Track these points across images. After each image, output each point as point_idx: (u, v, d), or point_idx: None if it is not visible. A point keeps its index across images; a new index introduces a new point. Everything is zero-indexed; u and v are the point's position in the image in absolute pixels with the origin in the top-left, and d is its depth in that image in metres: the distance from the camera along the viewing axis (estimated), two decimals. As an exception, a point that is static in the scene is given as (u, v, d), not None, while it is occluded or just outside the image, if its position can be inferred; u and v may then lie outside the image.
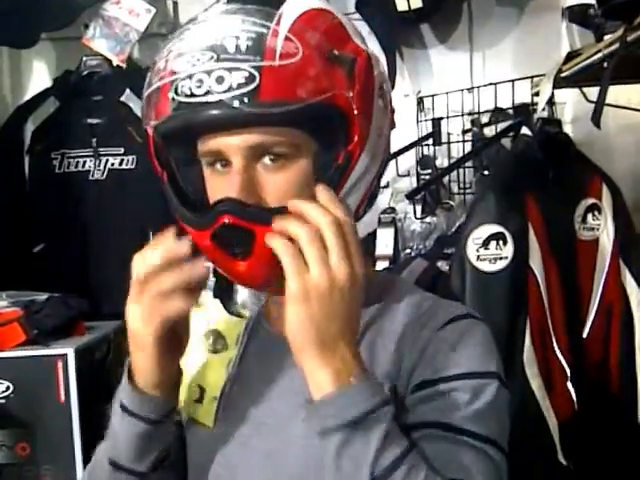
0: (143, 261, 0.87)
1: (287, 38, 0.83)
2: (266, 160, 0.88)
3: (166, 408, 0.95)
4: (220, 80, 0.81)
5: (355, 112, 0.87)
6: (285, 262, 0.81)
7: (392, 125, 1.00)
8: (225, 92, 0.80)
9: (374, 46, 2.50)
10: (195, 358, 1.03)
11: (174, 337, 0.91)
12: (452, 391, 0.90)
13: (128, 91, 2.31)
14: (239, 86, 0.80)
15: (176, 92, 0.83)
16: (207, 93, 0.81)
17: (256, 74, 0.80)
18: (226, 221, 0.85)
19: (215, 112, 0.82)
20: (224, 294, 0.98)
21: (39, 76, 2.65)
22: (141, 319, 0.87)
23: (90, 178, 2.33)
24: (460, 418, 0.88)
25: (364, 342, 0.96)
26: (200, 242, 0.89)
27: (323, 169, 0.89)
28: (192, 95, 0.82)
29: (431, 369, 0.92)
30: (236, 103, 0.80)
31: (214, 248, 0.88)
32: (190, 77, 0.82)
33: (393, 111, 1.00)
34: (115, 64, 2.30)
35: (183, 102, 0.83)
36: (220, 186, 0.89)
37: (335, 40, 0.88)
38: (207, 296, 0.98)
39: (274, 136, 0.86)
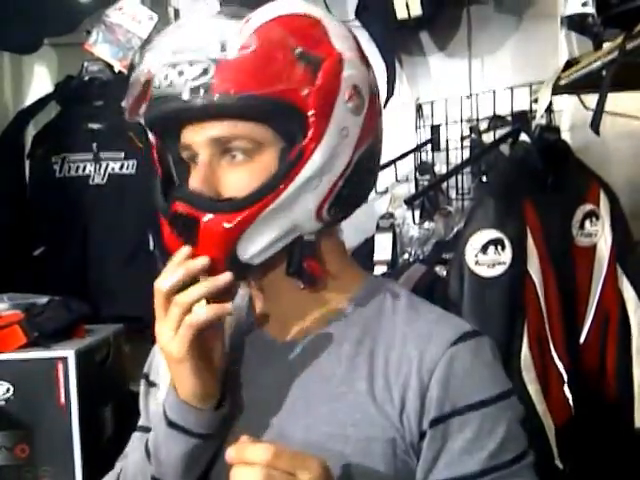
0: (165, 278, 0.89)
1: (250, 35, 0.87)
2: (228, 158, 0.91)
3: (215, 421, 0.96)
4: (181, 73, 0.86)
5: (310, 110, 0.88)
6: None
7: (376, 129, 0.99)
8: (185, 83, 0.86)
9: (373, 53, 2.52)
10: None
11: (208, 347, 0.93)
12: (480, 424, 0.91)
13: (129, 97, 2.31)
14: (195, 78, 0.85)
15: (149, 84, 0.90)
16: (169, 85, 0.87)
17: (212, 66, 0.85)
18: (177, 209, 0.89)
19: (174, 103, 0.87)
20: None
21: (40, 81, 2.66)
22: (172, 333, 0.89)
23: (90, 182, 2.34)
24: (495, 454, 0.90)
25: (363, 351, 0.97)
26: (164, 232, 0.92)
27: (288, 166, 0.90)
28: (159, 87, 0.88)
29: (448, 399, 0.91)
30: (192, 94, 0.86)
31: (171, 236, 0.92)
32: (160, 71, 0.89)
33: (378, 115, 1.00)
34: (117, 70, 2.32)
35: (154, 95, 0.89)
36: (191, 180, 0.92)
37: (303, 40, 0.90)
38: None
39: (234, 130, 0.89)
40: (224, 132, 0.89)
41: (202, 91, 0.85)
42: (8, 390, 1.68)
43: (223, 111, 0.87)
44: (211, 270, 0.89)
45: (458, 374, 0.92)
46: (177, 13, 2.58)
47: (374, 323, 0.99)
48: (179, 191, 0.92)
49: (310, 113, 0.88)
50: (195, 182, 0.90)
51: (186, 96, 0.85)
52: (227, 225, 0.88)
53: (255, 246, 0.90)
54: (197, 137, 0.91)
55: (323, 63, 0.89)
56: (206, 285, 0.88)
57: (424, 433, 0.91)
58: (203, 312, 0.88)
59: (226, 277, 0.89)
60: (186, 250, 0.89)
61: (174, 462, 0.96)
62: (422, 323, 0.97)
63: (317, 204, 0.93)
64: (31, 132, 2.39)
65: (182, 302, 0.88)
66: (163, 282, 0.89)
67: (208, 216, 0.88)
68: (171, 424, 0.95)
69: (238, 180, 0.90)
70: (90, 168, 2.33)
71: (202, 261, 0.88)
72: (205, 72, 0.85)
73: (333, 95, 0.90)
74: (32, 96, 2.59)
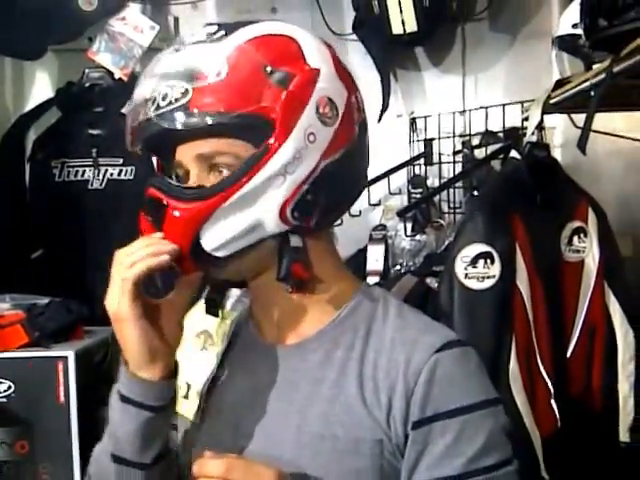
0: (125, 249, 0.95)
1: (223, 59, 0.94)
2: (217, 172, 0.97)
3: (165, 394, 0.99)
4: (165, 97, 0.93)
5: (274, 117, 0.93)
6: None
7: (349, 142, 1.01)
8: (166, 106, 0.93)
9: (369, 67, 2.56)
10: (187, 357, 1.08)
11: (159, 316, 0.98)
12: (460, 429, 0.94)
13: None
14: (176, 100, 0.92)
15: (138, 113, 0.96)
16: (155, 108, 0.93)
17: (190, 89, 0.92)
18: (150, 194, 0.96)
19: (159, 124, 0.94)
20: (211, 296, 1.06)
21: (41, 87, 2.69)
22: (114, 292, 0.94)
23: (89, 187, 2.35)
24: (475, 459, 0.93)
25: (354, 356, 1.00)
26: (141, 218, 0.98)
27: None
28: (144, 113, 0.94)
29: (430, 403, 0.94)
30: (172, 115, 0.92)
31: (145, 221, 0.97)
32: (145, 97, 0.95)
33: (354, 129, 1.02)
34: (117, 77, 2.35)
35: (143, 119, 0.95)
36: None
37: (274, 59, 0.96)
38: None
39: (217, 147, 0.96)
40: (207, 149, 0.96)
41: (181, 111, 0.92)
42: (9, 388, 1.70)
43: (201, 130, 0.94)
44: (176, 257, 0.94)
45: (441, 380, 0.95)
46: (177, 22, 2.63)
47: (365, 329, 1.02)
48: (155, 179, 0.97)
49: (275, 120, 0.94)
50: None
51: (172, 115, 0.92)
52: (189, 211, 0.93)
53: (218, 237, 0.95)
54: (186, 155, 0.98)
55: (294, 78, 0.95)
56: (150, 248, 0.93)
57: (408, 435, 0.95)
58: (138, 265, 0.92)
59: (169, 246, 0.94)
60: (157, 235, 0.95)
61: (130, 437, 0.99)
62: (410, 330, 1.00)
63: (280, 203, 0.96)
64: (32, 136, 2.41)
65: (124, 260, 0.94)
66: (121, 251, 0.95)
67: (172, 202, 0.94)
68: (124, 398, 0.99)
69: None
70: (89, 173, 2.35)
71: (165, 244, 0.94)
72: (184, 94, 0.92)
73: (302, 103, 0.95)
74: (33, 101, 2.62)
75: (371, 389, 0.97)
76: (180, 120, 0.92)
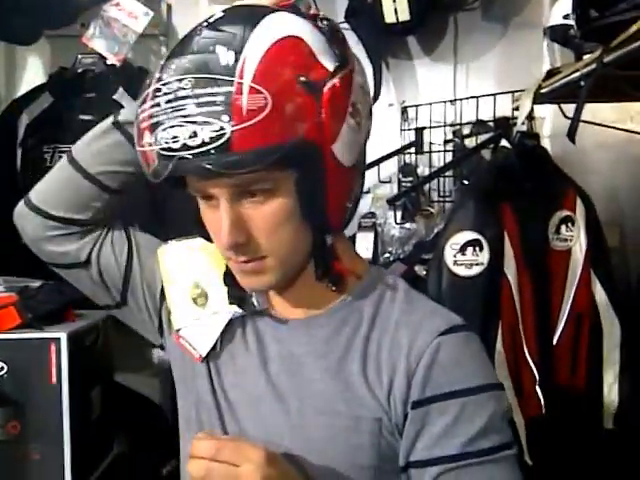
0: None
1: (252, 90, 0.86)
2: (250, 198, 0.93)
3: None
4: (194, 135, 0.85)
5: (324, 138, 0.91)
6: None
7: (367, 135, 1.03)
8: (199, 147, 0.85)
9: (361, 55, 2.56)
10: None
11: None
12: (460, 410, 0.95)
13: (121, 90, 2.34)
14: (211, 140, 0.85)
15: (156, 140, 0.89)
16: (183, 148, 0.86)
17: (227, 128, 0.84)
18: None
19: (191, 167, 0.88)
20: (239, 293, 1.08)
21: (33, 72, 2.68)
22: None
23: (80, 173, 2.35)
24: (473, 440, 0.95)
25: (360, 335, 1.02)
26: None
27: (305, 192, 0.94)
28: (170, 149, 0.87)
29: (430, 384, 0.96)
30: (208, 158, 0.85)
31: None
32: (165, 129, 0.87)
33: (369, 120, 1.03)
34: (109, 63, 2.34)
35: (163, 155, 0.88)
36: (213, 220, 0.97)
37: (300, 67, 0.90)
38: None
39: (255, 176, 0.90)
40: (244, 180, 0.91)
41: (219, 153, 0.85)
42: (2, 369, 1.71)
43: (245, 167, 0.87)
44: None
45: (443, 362, 0.97)
46: (170, 8, 2.63)
47: (373, 310, 1.04)
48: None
49: (324, 141, 0.91)
50: (224, 231, 0.93)
51: (208, 159, 0.86)
52: None
53: None
54: (217, 187, 0.93)
55: (323, 89, 0.90)
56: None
57: (408, 415, 0.97)
58: None
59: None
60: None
61: (99, 151, 1.14)
62: (416, 313, 1.03)
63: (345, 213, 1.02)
64: (24, 122, 2.40)
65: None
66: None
67: None
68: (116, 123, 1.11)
69: (262, 218, 0.94)
70: (80, 159, 2.35)
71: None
72: (220, 135, 0.85)
73: (341, 118, 0.93)
74: (25, 86, 2.61)
75: (374, 368, 0.99)
76: (222, 162, 0.85)
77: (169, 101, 0.88)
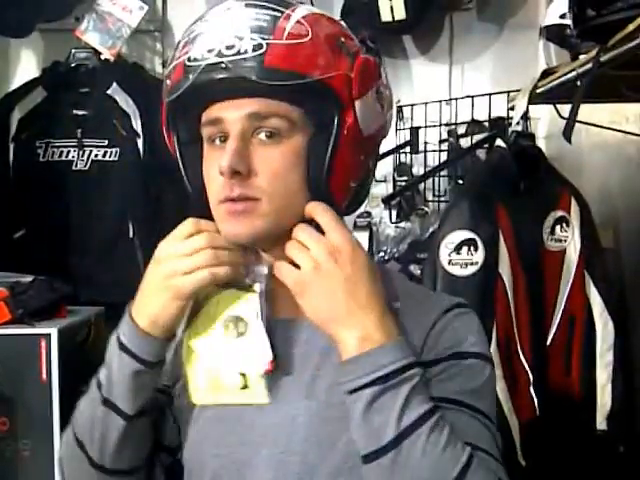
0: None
1: (298, 22, 0.90)
2: (262, 135, 0.92)
3: (161, 351, 0.99)
4: (230, 47, 0.88)
5: (349, 92, 0.93)
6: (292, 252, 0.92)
7: (383, 132, 1.03)
8: (233, 55, 0.87)
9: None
10: (217, 344, 1.03)
11: None
12: (458, 368, 0.96)
13: (115, 84, 2.33)
14: (246, 52, 0.87)
15: (189, 59, 0.90)
16: (217, 55, 0.88)
17: (264, 44, 0.87)
18: None
19: (222, 74, 0.88)
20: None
21: (27, 66, 2.67)
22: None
23: (73, 168, 2.34)
24: (465, 394, 0.94)
25: None
26: None
27: (317, 145, 0.94)
28: (202, 59, 0.89)
29: (443, 345, 0.97)
30: (243, 66, 0.87)
31: None
32: (203, 40, 0.90)
33: (388, 120, 1.04)
34: (103, 58, 2.34)
35: (192, 66, 0.90)
36: (215, 159, 0.94)
37: (342, 33, 0.95)
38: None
39: (272, 108, 0.91)
40: (262, 108, 0.91)
41: (252, 64, 0.87)
42: (-8, 365, 1.70)
43: (273, 89, 0.89)
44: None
45: (452, 328, 0.98)
46: (165, 3, 2.61)
47: None
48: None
49: (351, 99, 0.93)
50: (227, 154, 0.91)
51: (238, 68, 0.87)
52: None
53: None
54: (232, 112, 0.92)
55: (357, 57, 0.94)
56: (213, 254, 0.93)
57: None
58: (199, 274, 0.92)
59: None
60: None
61: (120, 382, 0.99)
62: (419, 296, 1.05)
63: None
64: (16, 116, 2.39)
65: (177, 265, 0.93)
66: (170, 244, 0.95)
67: None
68: (122, 346, 0.98)
69: (269, 160, 0.93)
70: (73, 154, 2.34)
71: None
72: (258, 47, 0.87)
73: (366, 89, 0.95)
74: (17, 81, 2.60)
75: None
76: (252, 71, 0.87)
77: (215, 18, 0.92)
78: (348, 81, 0.93)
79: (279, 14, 0.90)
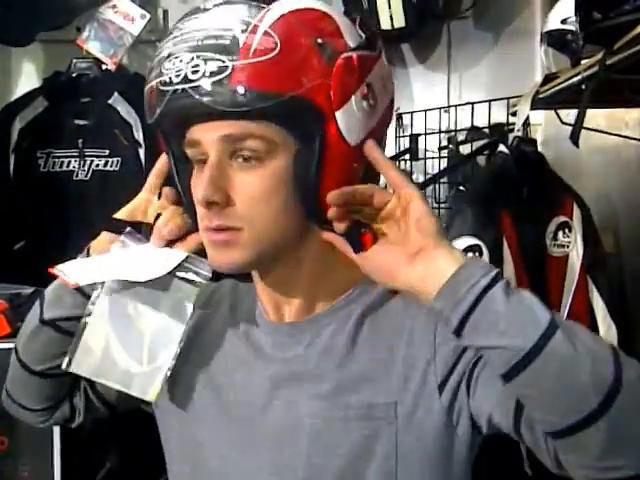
0: None
1: (266, 33, 0.84)
2: (240, 159, 0.89)
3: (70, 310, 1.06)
4: (195, 71, 0.84)
5: (328, 104, 0.87)
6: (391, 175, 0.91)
7: (381, 131, 0.99)
8: (198, 80, 0.83)
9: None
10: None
11: None
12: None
13: (116, 94, 2.32)
14: (211, 74, 0.83)
15: (161, 83, 0.87)
16: (183, 81, 0.84)
17: (229, 66, 0.83)
18: None
19: (188, 101, 0.85)
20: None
21: (28, 76, 2.67)
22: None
23: (74, 178, 2.33)
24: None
25: (365, 322, 0.99)
26: None
27: (301, 164, 0.90)
28: (171, 84, 0.85)
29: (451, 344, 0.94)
30: (207, 92, 0.83)
31: None
32: (171, 60, 0.86)
33: (387, 115, 1.00)
34: (104, 68, 2.34)
35: (163, 90, 0.86)
36: (199, 184, 0.91)
37: (323, 32, 0.88)
38: None
39: (248, 128, 0.87)
40: (236, 130, 0.87)
41: (222, 89, 0.83)
42: (-11, 381, 1.66)
43: (243, 110, 0.84)
44: None
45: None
46: (166, 13, 2.62)
47: (375, 303, 1.01)
48: None
49: (330, 107, 0.88)
50: (202, 184, 0.88)
51: (204, 93, 0.84)
52: None
53: None
54: (208, 135, 0.88)
55: (337, 58, 0.88)
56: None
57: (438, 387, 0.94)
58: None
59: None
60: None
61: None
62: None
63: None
64: (17, 126, 2.38)
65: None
66: None
67: None
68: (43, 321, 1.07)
69: (247, 184, 0.89)
70: (74, 164, 2.33)
71: None
72: (223, 69, 0.83)
73: (348, 93, 0.89)
74: (18, 91, 2.60)
75: (384, 349, 0.97)
76: (216, 96, 0.83)
77: (183, 34, 0.87)
78: (327, 89, 0.87)
79: (245, 27, 0.84)
